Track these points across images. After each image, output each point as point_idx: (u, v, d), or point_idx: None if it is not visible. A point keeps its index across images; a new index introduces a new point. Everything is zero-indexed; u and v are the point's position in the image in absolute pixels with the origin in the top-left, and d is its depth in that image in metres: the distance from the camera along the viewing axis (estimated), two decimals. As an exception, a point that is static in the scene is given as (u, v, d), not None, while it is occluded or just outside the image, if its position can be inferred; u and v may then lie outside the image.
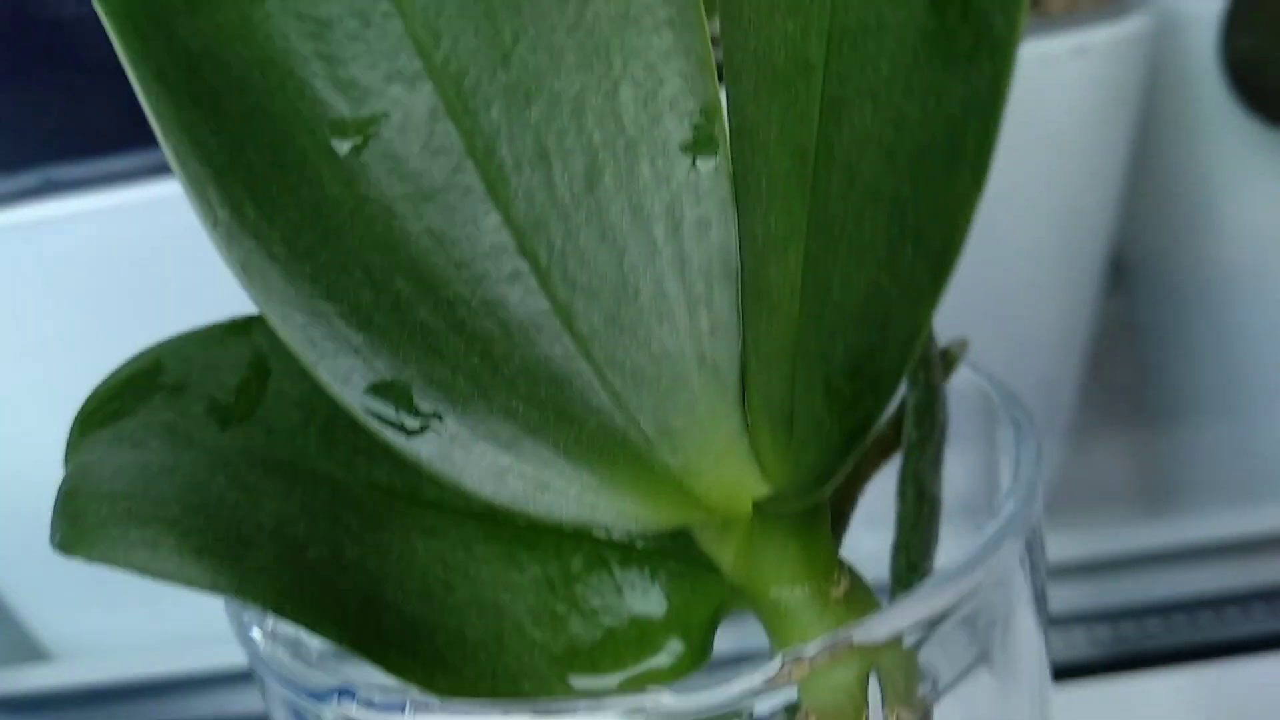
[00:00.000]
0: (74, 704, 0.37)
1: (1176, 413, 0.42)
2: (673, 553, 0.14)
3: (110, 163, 0.31)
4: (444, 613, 0.14)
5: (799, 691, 0.12)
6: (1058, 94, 0.30)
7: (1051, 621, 0.33)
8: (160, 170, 0.31)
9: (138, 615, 0.38)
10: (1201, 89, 0.31)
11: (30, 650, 0.40)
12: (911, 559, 0.14)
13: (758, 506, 0.12)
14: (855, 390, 0.10)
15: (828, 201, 0.10)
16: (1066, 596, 0.32)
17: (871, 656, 0.12)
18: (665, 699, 0.11)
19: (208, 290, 0.33)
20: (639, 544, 0.15)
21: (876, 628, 0.11)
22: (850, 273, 0.10)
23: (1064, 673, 0.30)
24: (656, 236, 0.13)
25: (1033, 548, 0.14)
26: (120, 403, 0.15)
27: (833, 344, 0.10)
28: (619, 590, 0.14)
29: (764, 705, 0.11)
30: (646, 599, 0.14)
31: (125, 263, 0.32)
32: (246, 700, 0.35)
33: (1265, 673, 0.28)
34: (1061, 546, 0.34)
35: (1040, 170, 0.31)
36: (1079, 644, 0.31)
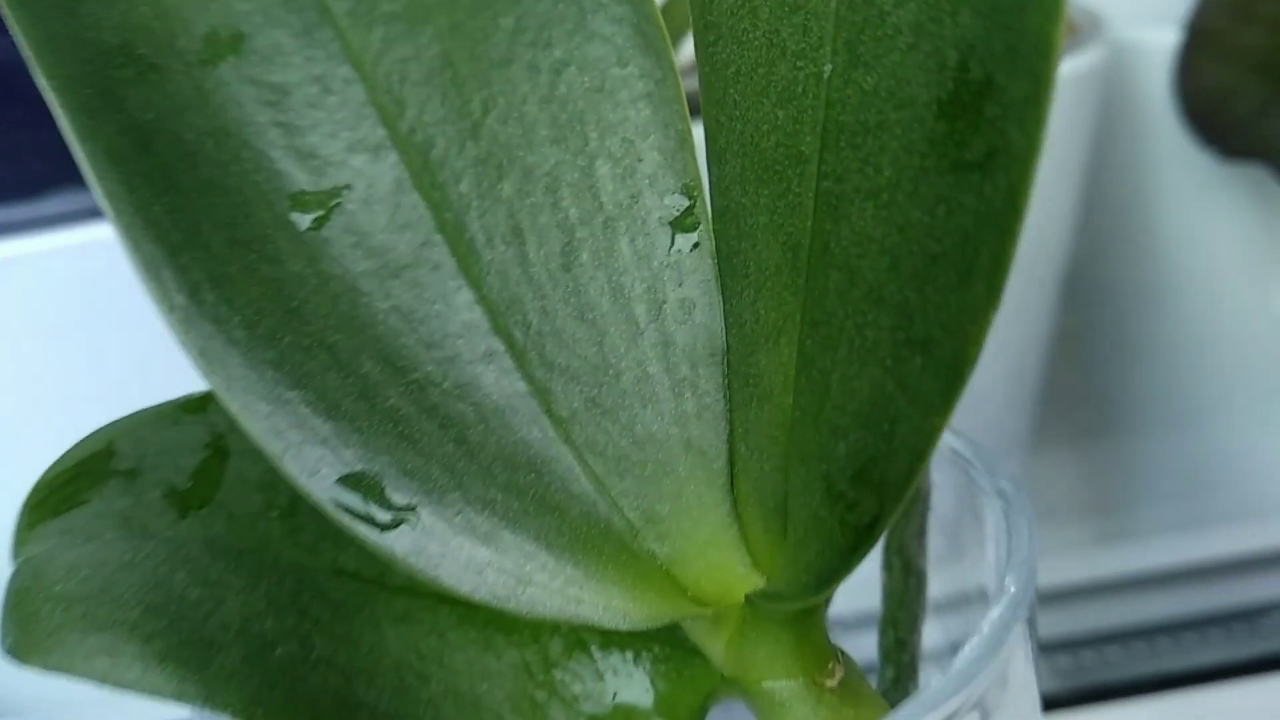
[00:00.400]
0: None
1: (1124, 428, 0.43)
2: (658, 636, 0.14)
3: (50, 204, 0.30)
4: (419, 706, 0.13)
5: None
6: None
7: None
8: (93, 214, 0.30)
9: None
10: (1155, 121, 0.31)
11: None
12: (900, 635, 0.14)
13: (751, 601, 0.12)
14: (859, 495, 0.10)
15: (824, 297, 0.10)
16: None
17: None
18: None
19: (148, 335, 0.32)
20: (622, 628, 0.14)
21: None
22: (851, 374, 0.10)
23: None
24: (638, 317, 0.13)
25: (1031, 618, 0.13)
26: (71, 490, 0.14)
27: (833, 443, 0.10)
28: (601, 676, 0.14)
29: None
30: (631, 685, 0.14)
31: (66, 307, 0.31)
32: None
33: (1223, 702, 0.28)
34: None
35: None
36: (1040, 676, 0.31)
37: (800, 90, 0.10)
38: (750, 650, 0.12)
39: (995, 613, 0.12)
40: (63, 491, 0.14)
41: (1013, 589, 0.12)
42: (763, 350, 0.11)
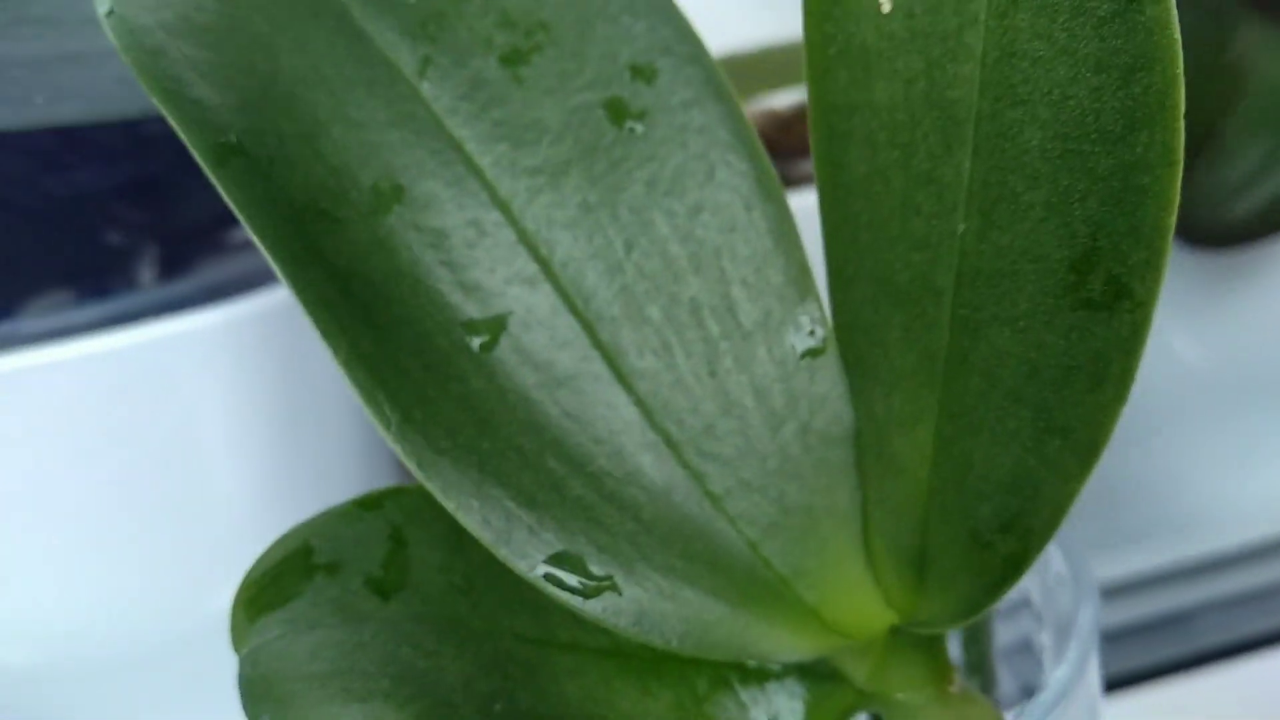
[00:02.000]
0: None
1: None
2: (792, 666, 0.17)
3: (49, 319, 0.31)
4: (604, 744, 0.16)
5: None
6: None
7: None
8: (98, 325, 0.32)
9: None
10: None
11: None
12: (981, 650, 0.17)
13: (895, 630, 0.15)
14: (1006, 541, 0.13)
15: (963, 396, 0.13)
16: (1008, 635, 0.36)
17: None
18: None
19: (150, 445, 0.33)
20: (751, 664, 0.17)
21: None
22: (994, 454, 0.13)
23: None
24: (778, 409, 0.16)
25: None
26: (283, 586, 0.16)
27: (977, 505, 0.13)
28: (743, 706, 0.17)
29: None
30: (773, 708, 0.17)
31: (65, 421, 0.32)
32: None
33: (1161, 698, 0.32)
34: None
35: None
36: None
37: (934, 241, 0.14)
38: (891, 671, 0.15)
39: (1074, 643, 0.15)
40: (273, 587, 0.17)
41: (1089, 616, 0.16)
42: (897, 434, 0.15)
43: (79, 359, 0.32)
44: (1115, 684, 0.34)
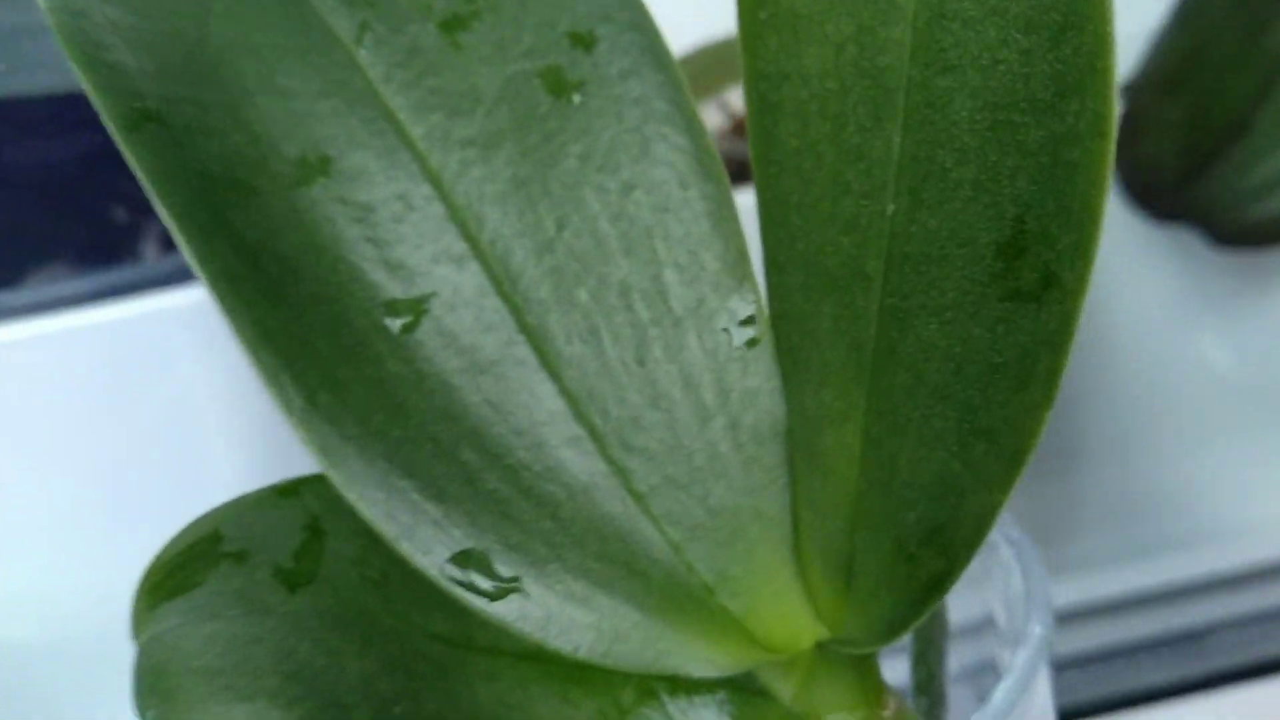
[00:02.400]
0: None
1: (1060, 465, 0.46)
2: (718, 681, 0.16)
3: (50, 289, 0.31)
4: (516, 754, 0.15)
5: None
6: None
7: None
8: (99, 295, 0.31)
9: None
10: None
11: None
12: (930, 669, 0.16)
13: (820, 646, 0.14)
14: (929, 556, 0.12)
15: (890, 392, 0.12)
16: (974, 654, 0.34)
17: None
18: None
19: (148, 417, 0.33)
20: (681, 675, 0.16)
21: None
22: (919, 455, 0.12)
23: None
24: (707, 402, 0.15)
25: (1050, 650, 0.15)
26: (187, 573, 0.16)
27: (902, 512, 0.12)
28: (669, 719, 0.16)
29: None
30: (699, 725, 0.16)
31: (66, 391, 0.31)
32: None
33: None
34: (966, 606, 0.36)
35: None
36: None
37: (864, 223, 0.12)
38: (818, 689, 0.14)
39: (1023, 655, 0.14)
40: (178, 574, 0.16)
41: (1038, 630, 0.14)
42: (827, 432, 0.13)
43: (80, 329, 0.31)
44: (1125, 703, 0.32)
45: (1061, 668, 0.34)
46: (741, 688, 0.16)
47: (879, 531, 0.13)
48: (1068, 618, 0.36)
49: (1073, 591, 0.36)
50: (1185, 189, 0.31)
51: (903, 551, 0.12)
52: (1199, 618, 0.34)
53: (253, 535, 0.16)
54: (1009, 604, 0.17)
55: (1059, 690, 0.34)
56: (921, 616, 0.12)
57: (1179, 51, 0.29)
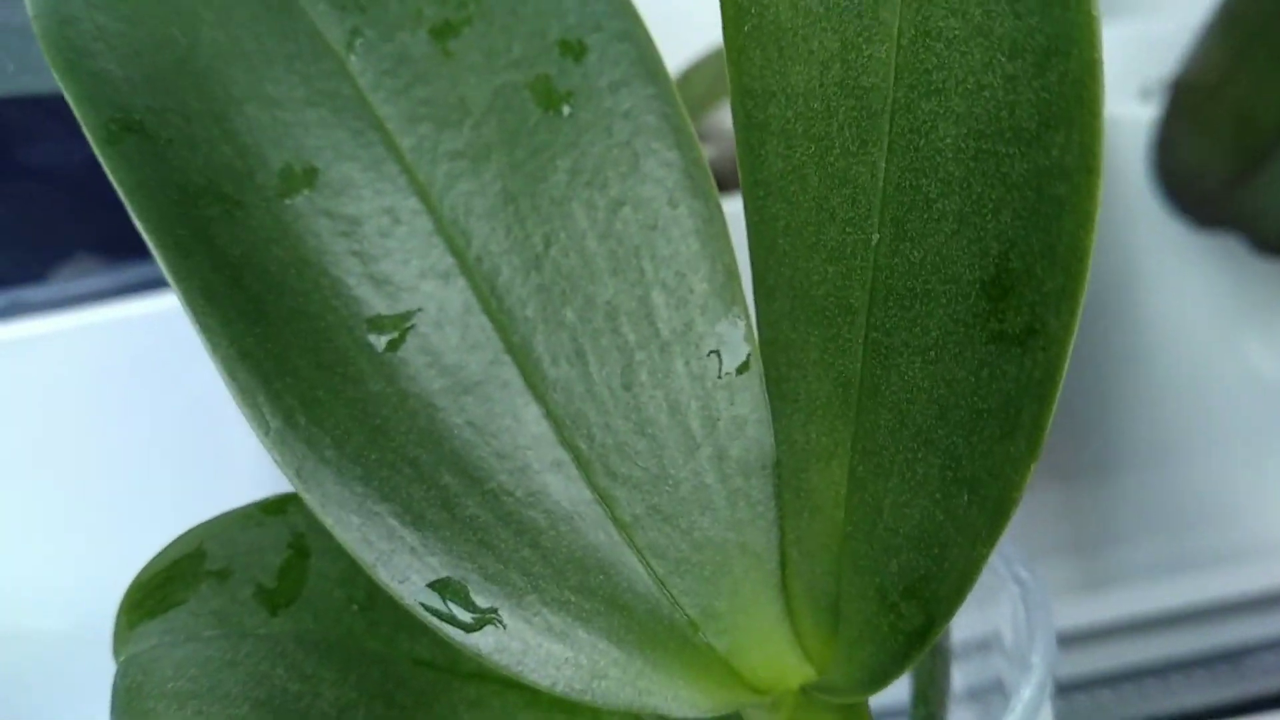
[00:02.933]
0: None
1: (1103, 473, 0.45)
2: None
3: (78, 284, 0.31)
4: (496, 786, 0.15)
5: None
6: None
7: (976, 696, 0.34)
8: (126, 290, 0.31)
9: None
10: (1132, 192, 0.33)
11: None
12: (930, 710, 0.15)
13: (806, 691, 0.13)
14: (911, 608, 0.11)
15: (875, 432, 0.12)
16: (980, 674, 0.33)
17: None
18: None
19: (169, 410, 0.33)
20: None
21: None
22: (903, 501, 0.11)
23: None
24: (694, 431, 0.14)
25: (1051, 693, 0.15)
26: (167, 591, 0.15)
27: (885, 559, 0.11)
28: (657, 752, 0.15)
29: None
30: (685, 760, 0.15)
31: (93, 384, 0.32)
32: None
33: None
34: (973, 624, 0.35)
35: None
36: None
37: (849, 252, 0.12)
38: (803, 732, 0.14)
39: (1027, 692, 0.13)
40: (159, 593, 0.16)
41: (1039, 668, 0.14)
42: (814, 468, 0.13)
43: (105, 324, 0.31)
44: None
45: (1091, 686, 0.34)
46: (729, 723, 0.15)
47: (863, 577, 0.12)
48: (1100, 634, 0.35)
49: (1105, 607, 0.35)
50: (1229, 195, 0.29)
51: (886, 601, 0.12)
52: (1236, 637, 0.33)
53: (236, 553, 0.16)
54: (1015, 629, 0.16)
55: (1089, 711, 0.33)
56: (905, 669, 0.11)
57: (1223, 50, 0.28)
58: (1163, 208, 0.31)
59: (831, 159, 0.12)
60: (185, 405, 0.32)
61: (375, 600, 0.16)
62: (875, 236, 0.11)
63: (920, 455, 0.11)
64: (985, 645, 0.16)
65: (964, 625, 0.16)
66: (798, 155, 0.12)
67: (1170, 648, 0.33)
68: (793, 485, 0.13)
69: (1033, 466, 0.10)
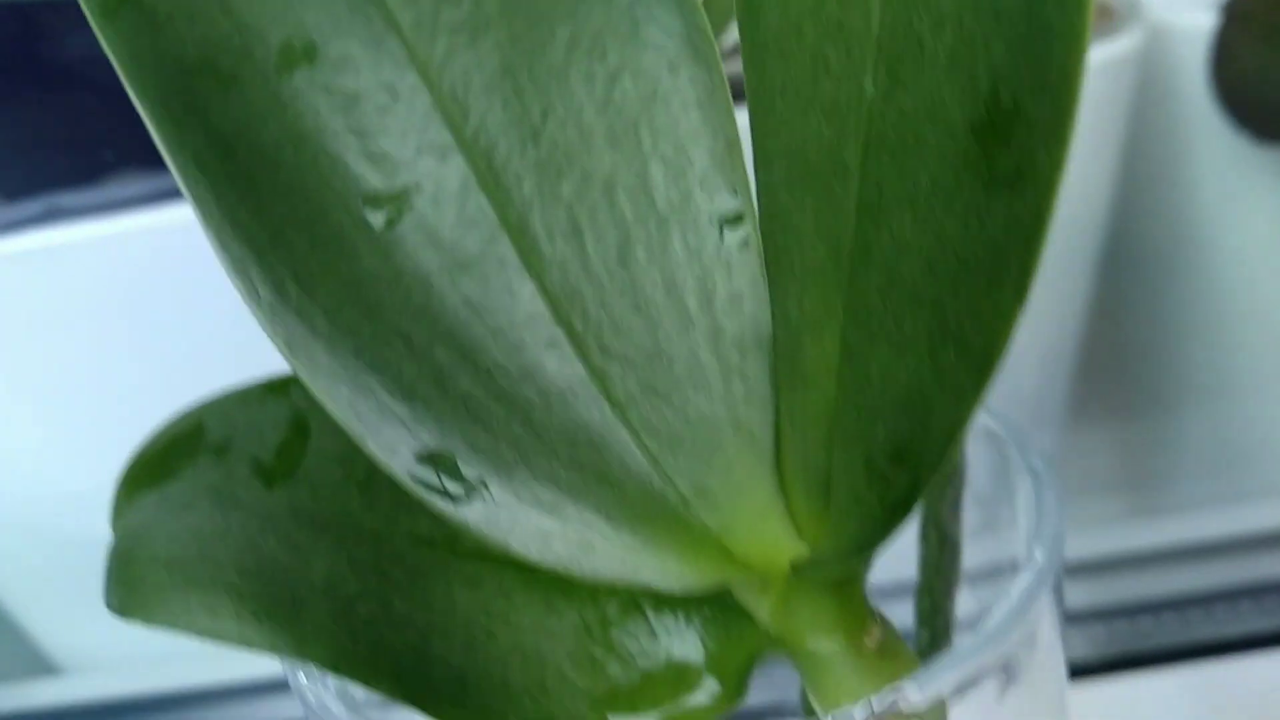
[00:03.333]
0: (83, 718, 0.38)
1: (1160, 403, 0.44)
2: (707, 599, 0.15)
3: (115, 189, 0.31)
4: (488, 661, 0.15)
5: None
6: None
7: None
8: (164, 196, 0.32)
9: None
10: (1191, 104, 0.32)
11: (39, 665, 0.40)
12: (935, 600, 0.15)
13: (796, 567, 0.13)
14: (896, 473, 0.11)
15: (866, 295, 0.11)
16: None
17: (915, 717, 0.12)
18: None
19: (212, 317, 0.33)
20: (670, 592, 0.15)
21: (919, 693, 0.12)
22: (891, 365, 0.11)
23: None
24: (690, 308, 0.14)
25: (1059, 587, 0.14)
26: (166, 464, 0.16)
27: (874, 426, 0.11)
28: (654, 634, 0.15)
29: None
30: (683, 643, 0.15)
31: (131, 290, 0.32)
32: (259, 712, 0.36)
33: (1254, 672, 0.29)
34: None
35: None
36: (1074, 644, 0.32)
37: (844, 106, 0.11)
38: (795, 612, 0.13)
39: (1023, 580, 0.13)
40: (157, 466, 0.16)
41: (1040, 559, 0.13)
42: (808, 341, 0.12)
43: (157, 228, 0.32)
44: (1213, 649, 0.30)
45: (1133, 613, 0.33)
46: (726, 608, 0.15)
47: (852, 447, 0.12)
48: (1146, 560, 0.34)
49: (1153, 534, 0.34)
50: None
51: (873, 468, 0.11)
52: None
53: (235, 429, 0.16)
54: (1030, 543, 0.15)
55: (1131, 636, 0.32)
56: (887, 537, 0.11)
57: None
58: (1224, 121, 0.30)
59: (826, 7, 0.11)
60: (237, 306, 0.33)
61: (374, 478, 0.16)
62: (869, 87, 0.11)
63: (909, 315, 0.10)
64: (998, 537, 0.16)
65: (976, 517, 0.16)
66: (793, 6, 0.12)
67: (1215, 577, 0.33)
68: (787, 360, 0.13)
69: (1018, 317, 0.09)
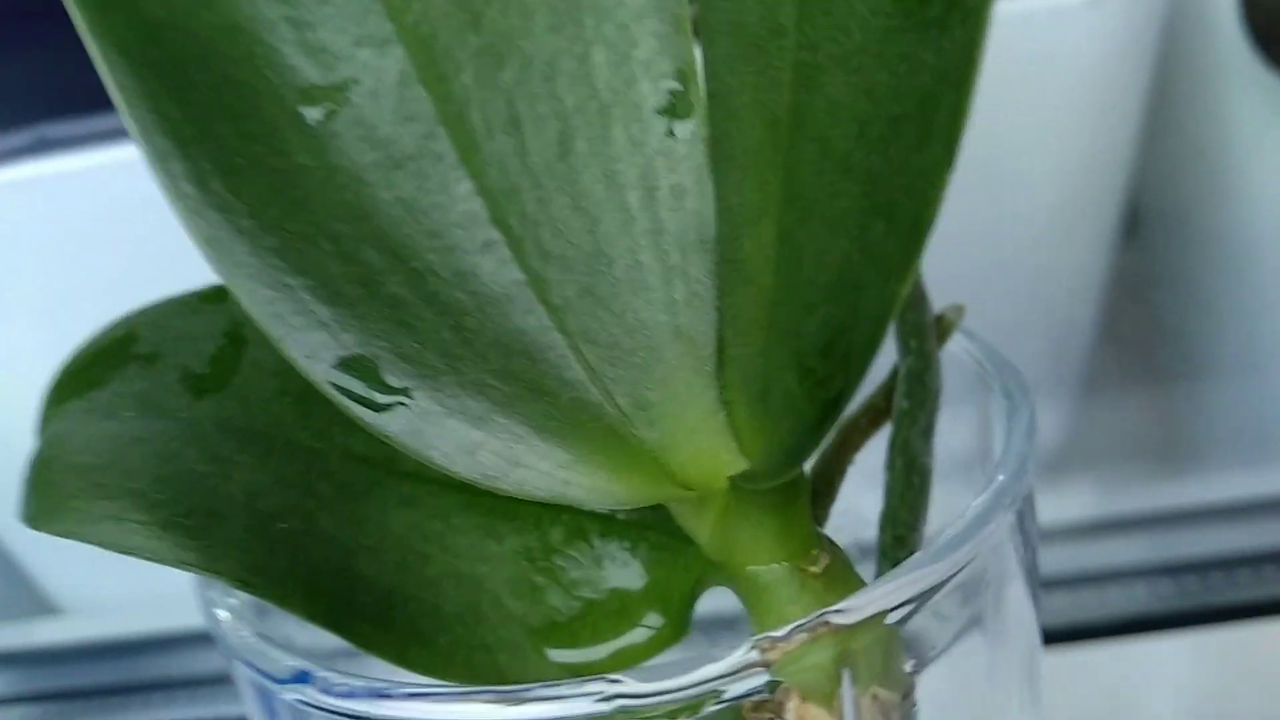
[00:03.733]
0: (84, 658, 0.38)
1: (1193, 367, 0.42)
2: (654, 525, 0.14)
3: (105, 120, 0.31)
4: (420, 585, 0.14)
5: (775, 671, 0.12)
6: (1072, 46, 0.29)
7: (1064, 583, 0.32)
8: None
9: (148, 568, 0.38)
10: (1220, 39, 0.30)
11: (40, 605, 0.40)
12: (898, 532, 0.14)
13: (733, 482, 0.12)
14: (827, 369, 0.10)
15: (800, 171, 0.10)
16: (1078, 556, 0.32)
17: (848, 638, 0.11)
18: (630, 684, 0.10)
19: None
20: (620, 516, 0.14)
21: (852, 610, 0.11)
22: (823, 247, 0.10)
23: (1075, 635, 0.30)
24: (631, 205, 0.13)
25: (1024, 517, 0.13)
26: (93, 373, 0.15)
27: (806, 319, 0.10)
28: (599, 563, 0.14)
29: (737, 688, 0.11)
30: (626, 572, 0.14)
31: (120, 220, 0.31)
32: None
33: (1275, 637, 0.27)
34: (1071, 505, 0.33)
35: (1054, 123, 0.30)
36: (1090, 606, 0.30)
37: (778, -39, 0.10)
38: (734, 534, 0.12)
39: (979, 501, 0.12)
40: (86, 374, 0.15)
41: (1000, 479, 0.12)
42: (747, 233, 0.11)
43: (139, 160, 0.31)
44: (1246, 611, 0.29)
45: (1151, 574, 0.31)
46: (672, 534, 0.14)
47: (786, 345, 0.11)
48: (1184, 519, 0.33)
49: (1185, 493, 0.33)
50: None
51: (804, 367, 0.10)
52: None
53: (167, 338, 0.15)
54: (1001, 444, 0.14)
55: (1146, 599, 0.31)
56: (818, 440, 0.10)
57: None
58: (1256, 58, 0.28)
59: None
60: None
61: (311, 394, 0.15)
62: (802, -64, 0.10)
63: (840, 187, 0.09)
64: (973, 461, 0.15)
65: (949, 441, 0.15)
66: None
67: (1242, 540, 0.31)
68: (729, 258, 0.12)
69: (948, 176, 0.08)
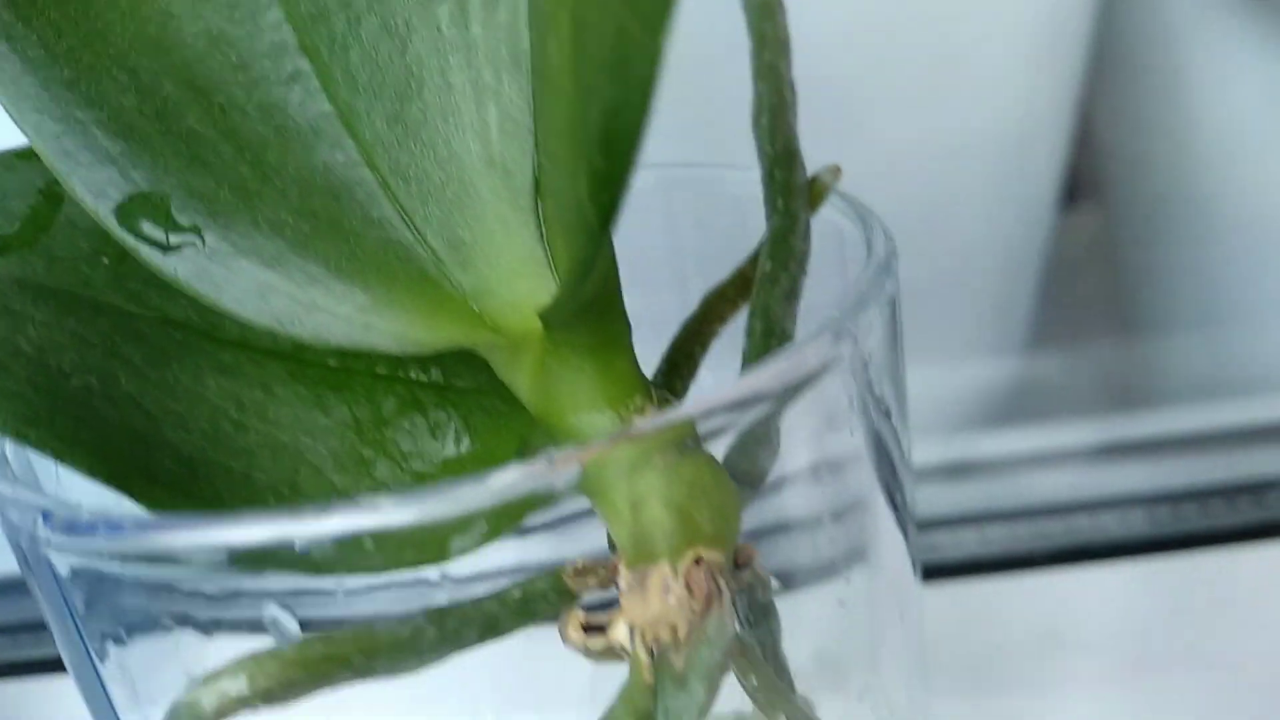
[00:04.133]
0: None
1: (1150, 324, 0.41)
2: (490, 390, 0.13)
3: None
4: (231, 455, 0.13)
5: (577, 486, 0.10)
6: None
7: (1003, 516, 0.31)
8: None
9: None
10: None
11: None
12: (770, 324, 0.13)
13: (546, 324, 0.11)
14: (606, 162, 0.09)
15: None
16: (1039, 487, 0.31)
17: (651, 446, 0.10)
18: (384, 509, 0.09)
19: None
20: (458, 384, 0.13)
21: (658, 419, 0.10)
22: (602, 20, 0.09)
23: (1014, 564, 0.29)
24: (441, 20, 0.11)
25: (870, 366, 0.12)
26: (-111, 230, 0.14)
27: (589, 108, 0.09)
28: (432, 433, 0.13)
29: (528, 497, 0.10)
30: (459, 442, 0.13)
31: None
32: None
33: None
34: (1021, 439, 0.32)
35: (990, 69, 0.29)
36: (1023, 537, 0.29)
37: None
38: (554, 382, 0.11)
39: (806, 340, 0.11)
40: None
41: (836, 315, 0.11)
42: (551, 34, 0.10)
43: None
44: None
45: (1125, 505, 0.30)
46: (507, 399, 0.13)
47: (579, 153, 0.09)
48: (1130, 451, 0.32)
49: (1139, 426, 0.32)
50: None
51: (591, 168, 0.09)
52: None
53: (-26, 195, 0.14)
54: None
55: (1115, 527, 0.30)
56: (601, 248, 0.09)
57: None
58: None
59: None
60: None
61: (130, 256, 0.14)
62: None
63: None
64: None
65: (818, 310, 0.13)
66: None
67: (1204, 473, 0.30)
68: (539, 70, 0.11)
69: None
